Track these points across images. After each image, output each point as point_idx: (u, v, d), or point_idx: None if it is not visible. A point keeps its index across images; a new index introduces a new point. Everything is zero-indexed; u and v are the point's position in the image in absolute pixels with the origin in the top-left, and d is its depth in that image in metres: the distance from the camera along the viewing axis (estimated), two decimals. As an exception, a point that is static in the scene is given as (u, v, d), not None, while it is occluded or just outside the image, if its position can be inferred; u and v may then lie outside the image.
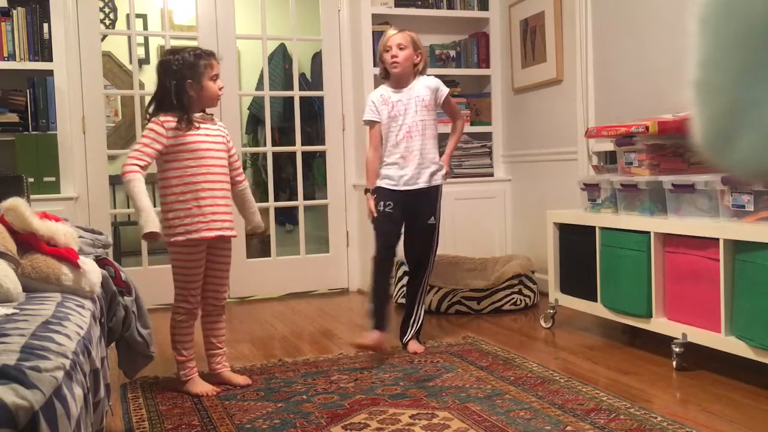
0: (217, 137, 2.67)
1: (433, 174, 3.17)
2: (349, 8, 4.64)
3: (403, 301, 4.08)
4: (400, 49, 3.09)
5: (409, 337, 3.21)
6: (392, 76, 3.14)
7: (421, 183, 3.15)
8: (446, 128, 3.46)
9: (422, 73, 3.18)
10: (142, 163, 2.51)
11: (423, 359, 2.98)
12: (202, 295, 2.70)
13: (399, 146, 3.12)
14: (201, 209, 2.58)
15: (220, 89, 2.65)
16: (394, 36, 3.11)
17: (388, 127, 3.14)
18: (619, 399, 2.39)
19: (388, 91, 3.16)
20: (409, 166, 3.12)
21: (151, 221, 2.44)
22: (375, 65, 4.38)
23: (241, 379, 2.72)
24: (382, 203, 3.12)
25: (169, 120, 2.56)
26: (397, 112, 3.12)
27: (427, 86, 3.16)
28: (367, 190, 3.18)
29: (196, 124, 2.60)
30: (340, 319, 3.92)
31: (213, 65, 2.63)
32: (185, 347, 2.66)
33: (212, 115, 2.74)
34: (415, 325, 3.23)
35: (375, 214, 3.12)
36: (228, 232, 2.66)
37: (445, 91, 3.20)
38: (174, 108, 2.58)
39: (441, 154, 3.28)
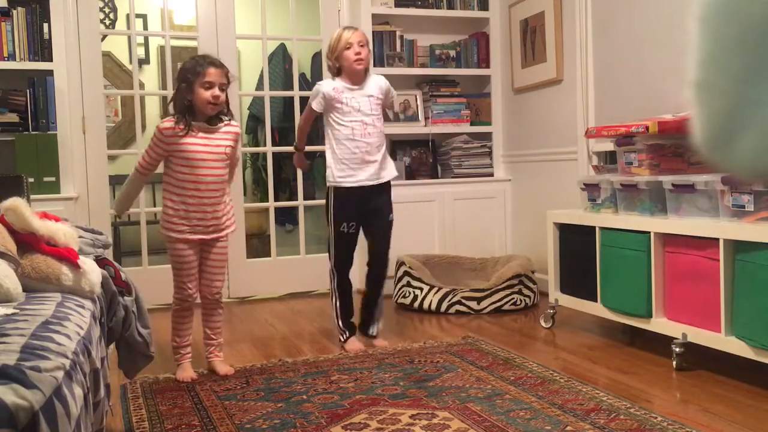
0: (218, 147, 2.75)
1: (383, 170, 3.24)
2: (349, 8, 4.64)
3: (404, 301, 4.10)
4: (361, 46, 3.15)
5: (376, 331, 3.32)
6: (349, 73, 3.17)
7: (379, 179, 3.22)
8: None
9: (368, 71, 3.26)
10: (145, 164, 2.79)
11: (423, 359, 2.98)
12: (199, 289, 2.86)
13: (353, 142, 3.16)
14: (187, 213, 2.73)
15: (212, 97, 2.68)
16: (356, 33, 3.16)
17: (339, 121, 3.17)
18: (619, 399, 2.39)
19: (342, 85, 3.19)
20: (367, 163, 3.18)
21: (122, 210, 2.93)
22: (374, 65, 4.38)
23: (224, 369, 2.84)
24: (345, 224, 3.23)
25: (168, 126, 2.70)
26: (351, 107, 3.16)
27: (379, 86, 3.23)
28: (296, 148, 3.38)
29: (195, 131, 2.70)
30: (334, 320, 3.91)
31: (207, 72, 2.68)
32: (178, 334, 2.84)
33: (224, 119, 2.79)
34: (380, 320, 3.35)
35: (305, 169, 3.37)
36: (212, 235, 2.78)
37: (394, 94, 3.35)
38: (177, 111, 2.71)
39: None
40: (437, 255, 4.47)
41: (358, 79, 3.19)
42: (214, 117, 2.76)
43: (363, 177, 3.18)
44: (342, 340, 3.26)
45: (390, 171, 3.26)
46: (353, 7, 4.61)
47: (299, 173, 4.75)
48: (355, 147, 3.16)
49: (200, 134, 2.72)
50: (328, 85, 3.20)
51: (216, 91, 2.69)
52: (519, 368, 2.80)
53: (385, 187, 3.26)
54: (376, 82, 3.25)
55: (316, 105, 3.19)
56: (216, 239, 2.80)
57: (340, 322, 3.28)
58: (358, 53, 3.12)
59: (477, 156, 4.77)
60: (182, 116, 2.70)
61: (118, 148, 5.96)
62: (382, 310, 3.38)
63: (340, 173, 3.19)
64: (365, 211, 3.23)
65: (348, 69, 3.16)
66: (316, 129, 5.50)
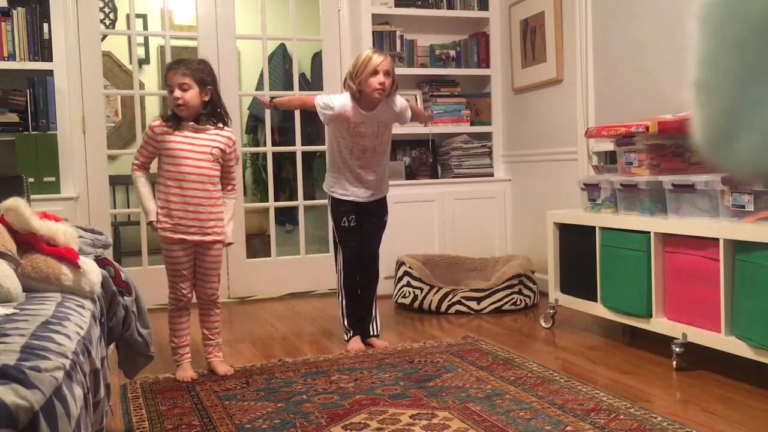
0: (204, 146, 2.79)
1: (378, 190, 3.27)
2: (349, 8, 4.63)
3: (404, 301, 4.10)
4: (387, 76, 3.06)
5: (377, 332, 3.34)
6: (367, 98, 3.09)
7: (376, 196, 3.26)
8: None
9: (391, 95, 3.19)
10: (138, 162, 2.85)
11: (423, 359, 2.98)
12: (194, 291, 2.89)
13: (351, 161, 3.17)
14: (170, 211, 2.78)
15: (173, 98, 2.76)
16: (385, 61, 3.06)
17: (341, 139, 3.16)
18: (619, 399, 2.39)
19: (356, 110, 3.11)
20: (366, 185, 3.20)
21: (148, 212, 2.81)
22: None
23: (224, 369, 2.86)
24: (345, 219, 3.23)
25: (157, 124, 2.80)
26: (356, 133, 3.14)
27: (393, 110, 3.19)
28: (272, 99, 3.34)
29: (182, 130, 2.78)
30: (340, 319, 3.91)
31: (167, 77, 2.78)
32: (175, 335, 2.87)
33: (217, 122, 2.84)
34: (377, 321, 3.36)
35: (268, 105, 3.34)
36: (195, 237, 2.79)
37: (408, 117, 3.28)
38: (166, 113, 2.86)
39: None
40: (437, 255, 4.47)
41: (372, 105, 3.13)
42: (201, 117, 2.80)
43: (355, 194, 3.21)
44: (347, 339, 3.26)
45: (384, 190, 3.30)
46: (353, 7, 4.61)
47: (299, 173, 4.75)
48: (352, 167, 3.18)
49: (186, 132, 2.78)
50: (341, 104, 3.12)
51: (176, 92, 2.74)
52: (519, 368, 2.80)
53: (379, 200, 3.29)
54: (393, 104, 3.19)
55: (321, 116, 3.17)
56: (204, 243, 2.81)
57: (346, 321, 3.28)
58: (382, 83, 3.04)
59: (477, 156, 4.77)
60: (170, 117, 2.80)
61: (118, 148, 5.96)
62: (378, 310, 3.37)
63: (333, 186, 3.23)
64: (361, 212, 3.24)
65: (367, 95, 3.08)
66: (316, 128, 5.51)
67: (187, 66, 2.77)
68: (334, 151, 3.21)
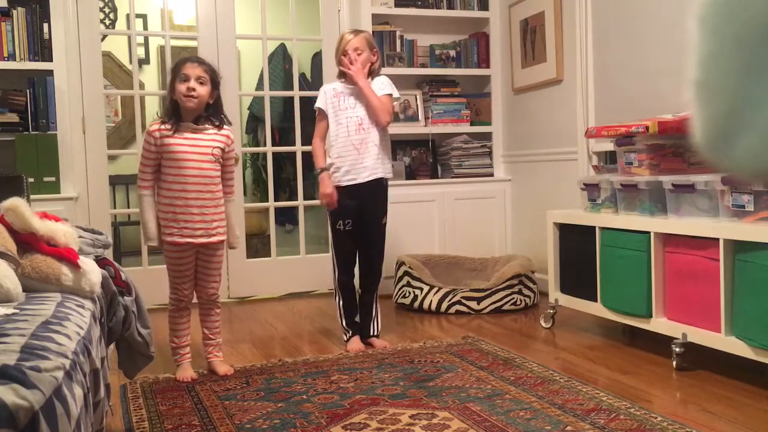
0: (205, 147, 2.78)
1: (378, 167, 3.23)
2: (349, 8, 4.63)
3: (404, 301, 4.10)
4: (358, 53, 3.18)
5: (377, 332, 3.33)
6: (348, 77, 3.22)
7: (376, 172, 3.21)
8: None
9: (377, 73, 3.27)
10: (143, 177, 2.78)
11: (423, 359, 2.98)
12: (195, 290, 2.88)
13: (347, 138, 3.19)
14: (175, 216, 2.76)
15: (187, 89, 2.72)
16: (351, 41, 3.20)
17: (337, 120, 3.21)
18: (619, 399, 2.39)
19: (342, 86, 3.26)
20: (367, 157, 3.19)
21: (148, 236, 2.78)
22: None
23: (224, 369, 2.86)
24: (341, 222, 3.23)
25: (155, 128, 2.75)
26: (348, 104, 3.21)
27: (379, 86, 3.23)
28: (322, 170, 3.22)
29: (181, 131, 2.76)
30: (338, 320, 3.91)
31: (183, 68, 2.75)
32: (176, 335, 2.87)
33: (215, 122, 2.83)
34: (377, 321, 3.34)
35: (334, 198, 3.17)
36: (201, 240, 2.78)
37: (389, 91, 3.25)
38: (165, 113, 2.83)
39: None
40: (437, 255, 4.47)
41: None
42: (201, 118, 2.79)
43: (355, 175, 3.18)
44: (346, 339, 3.26)
45: (385, 170, 3.25)
46: (353, 7, 4.61)
47: (299, 173, 4.75)
48: (349, 143, 3.18)
49: (186, 134, 2.77)
50: (329, 85, 3.31)
51: (191, 83, 2.72)
52: (519, 368, 2.80)
53: (381, 187, 3.25)
54: (378, 82, 3.25)
55: (319, 102, 3.26)
56: (208, 245, 2.81)
57: (344, 322, 3.28)
58: (351, 61, 3.17)
59: (477, 156, 4.77)
60: (169, 117, 2.77)
61: (118, 148, 5.96)
62: (378, 310, 3.36)
63: (336, 172, 3.21)
64: (361, 212, 3.23)
65: (347, 74, 3.23)
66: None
67: (206, 63, 2.80)
68: (336, 138, 3.22)
